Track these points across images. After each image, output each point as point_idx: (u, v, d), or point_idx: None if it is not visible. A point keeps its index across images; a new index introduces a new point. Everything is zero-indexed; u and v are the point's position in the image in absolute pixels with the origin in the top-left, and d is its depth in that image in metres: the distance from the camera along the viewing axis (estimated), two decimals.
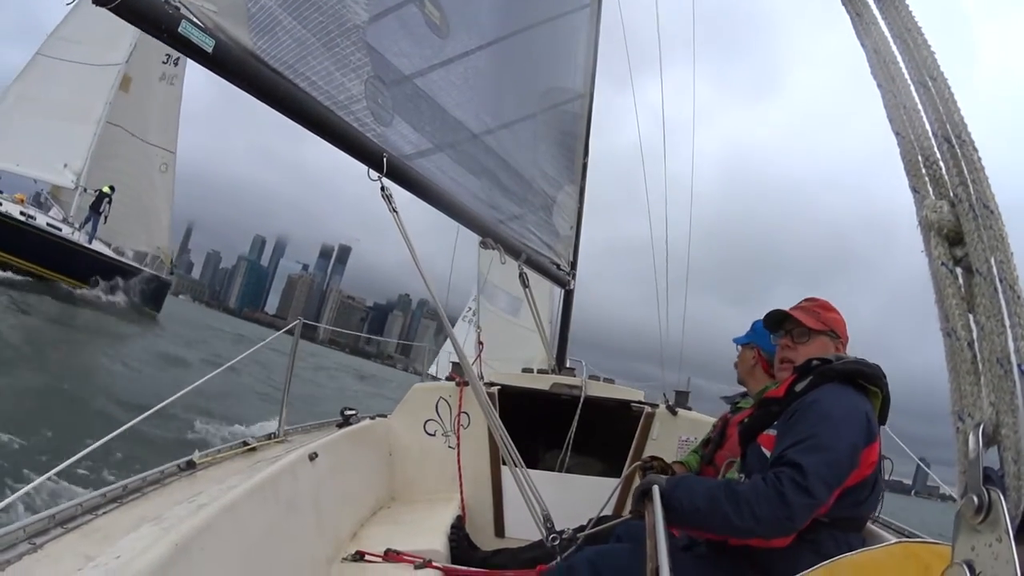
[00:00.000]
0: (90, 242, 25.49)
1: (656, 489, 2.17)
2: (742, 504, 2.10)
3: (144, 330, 23.57)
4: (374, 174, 3.27)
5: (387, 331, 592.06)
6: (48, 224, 24.05)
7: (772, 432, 2.42)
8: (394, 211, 3.28)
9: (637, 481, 3.17)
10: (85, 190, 26.40)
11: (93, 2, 2.16)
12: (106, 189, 26.03)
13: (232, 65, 2.65)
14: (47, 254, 23.52)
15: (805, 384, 2.40)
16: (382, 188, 3.27)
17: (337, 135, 3.15)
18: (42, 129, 24.85)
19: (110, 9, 2.18)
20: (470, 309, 15.40)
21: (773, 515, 2.06)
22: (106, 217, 26.26)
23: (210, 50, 2.51)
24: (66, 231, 24.66)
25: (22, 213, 22.99)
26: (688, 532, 2.31)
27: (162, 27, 2.36)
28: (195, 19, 2.47)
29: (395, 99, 3.60)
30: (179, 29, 2.39)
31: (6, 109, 25.79)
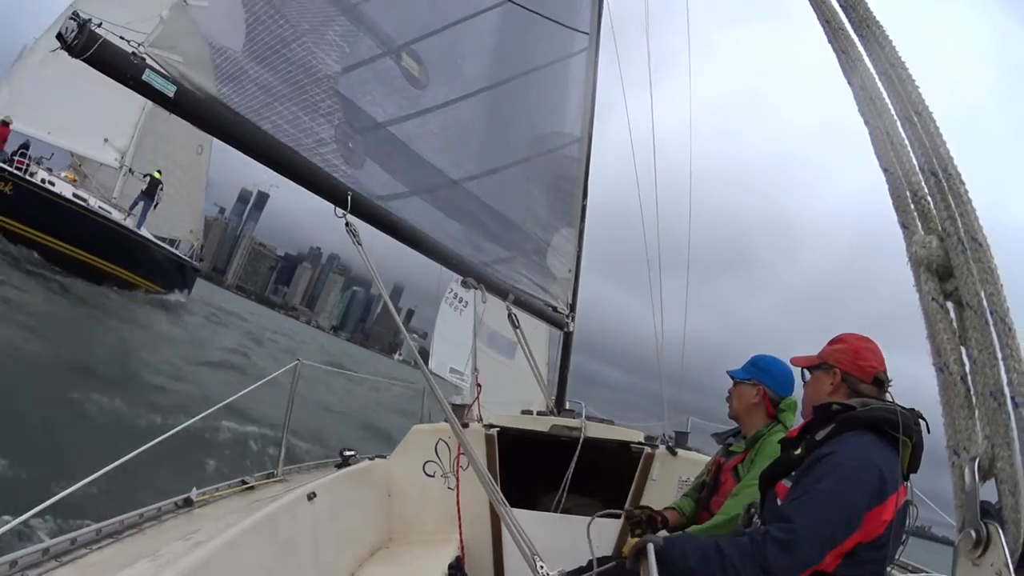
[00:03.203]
0: (139, 228, 23.68)
1: (651, 547, 2.22)
2: (727, 566, 2.10)
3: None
4: (339, 211, 3.44)
5: (295, 282, 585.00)
6: (100, 207, 22.00)
7: (788, 483, 2.33)
8: (358, 244, 3.45)
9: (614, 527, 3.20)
10: (131, 171, 24.32)
11: (69, 54, 2.46)
12: (156, 174, 24.12)
13: (192, 108, 2.87)
14: (99, 241, 21.49)
15: (826, 432, 2.28)
16: (347, 224, 3.43)
17: (299, 174, 3.34)
18: (77, 95, 20.62)
19: (83, 60, 2.48)
20: (451, 291, 15.19)
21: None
22: (157, 204, 24.43)
23: (171, 95, 2.73)
24: (116, 215, 22.65)
25: (75, 195, 21.00)
26: None
27: (127, 75, 2.61)
28: (159, 68, 2.71)
29: (367, 144, 3.80)
30: (143, 77, 2.64)
31: (34, 65, 22.10)
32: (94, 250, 21.55)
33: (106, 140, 23.80)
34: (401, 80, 4.13)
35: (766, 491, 2.49)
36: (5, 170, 18.77)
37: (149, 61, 2.69)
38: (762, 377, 3.28)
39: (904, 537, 2.23)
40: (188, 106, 2.85)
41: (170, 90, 2.73)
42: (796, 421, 3.13)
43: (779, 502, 2.33)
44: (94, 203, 21.89)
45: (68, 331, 13.31)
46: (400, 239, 4.04)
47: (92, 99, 21.11)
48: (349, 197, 3.46)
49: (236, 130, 3.08)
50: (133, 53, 2.64)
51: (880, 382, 2.42)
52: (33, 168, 20.23)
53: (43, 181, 19.99)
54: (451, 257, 4.50)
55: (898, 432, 2.15)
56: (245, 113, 3.07)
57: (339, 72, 3.64)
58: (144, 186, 24.17)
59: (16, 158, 19.87)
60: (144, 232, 23.99)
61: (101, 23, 2.54)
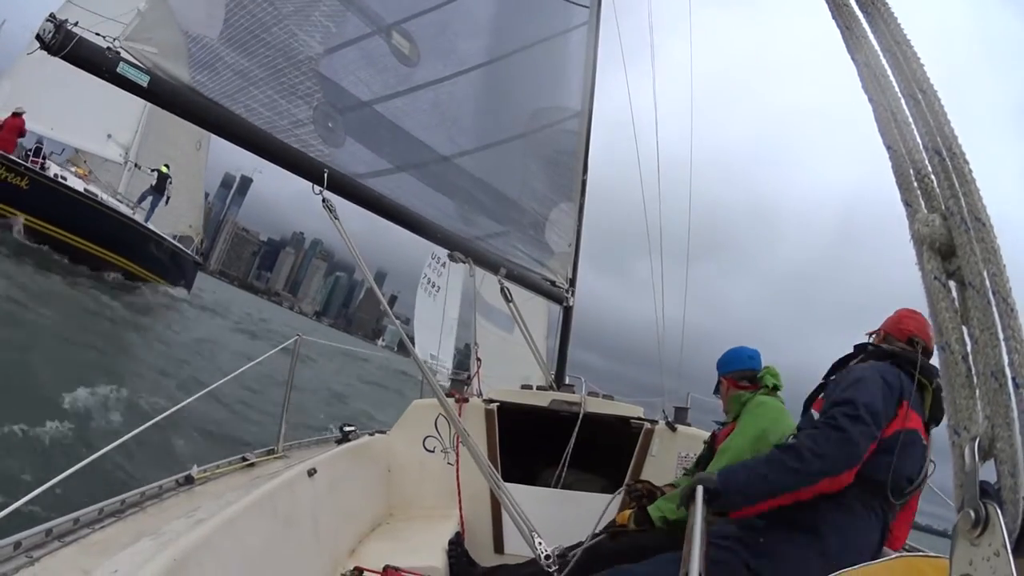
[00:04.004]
0: (146, 222, 23.56)
1: (700, 490, 2.25)
2: (803, 450, 2.25)
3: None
4: (316, 188, 3.58)
5: (277, 268, 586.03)
6: (104, 200, 21.73)
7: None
8: (336, 219, 3.61)
9: (618, 503, 3.39)
10: (137, 166, 24.32)
11: (48, 53, 2.67)
12: (164, 168, 24.11)
13: (166, 96, 3.06)
14: (110, 235, 21.43)
15: (856, 361, 2.70)
16: (323, 200, 3.58)
17: (274, 155, 3.49)
18: (79, 92, 19.61)
19: (60, 57, 2.68)
20: (425, 276, 15.44)
21: (835, 447, 2.22)
22: (168, 199, 24.52)
23: (145, 85, 2.92)
24: (123, 210, 22.52)
25: (86, 190, 20.79)
26: (759, 509, 2.36)
27: (103, 68, 2.81)
28: (133, 60, 2.90)
29: (349, 123, 3.92)
30: (117, 69, 2.83)
31: (36, 60, 21.37)
32: (106, 244, 21.47)
33: (109, 136, 23.62)
34: (390, 58, 4.20)
35: (807, 411, 2.75)
36: (21, 165, 18.66)
37: (124, 54, 2.89)
38: (721, 372, 3.69)
39: (920, 480, 2.47)
40: (162, 94, 3.04)
41: (143, 80, 2.92)
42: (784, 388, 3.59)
43: (814, 413, 2.62)
44: (105, 198, 21.77)
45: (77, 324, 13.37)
46: (380, 214, 4.14)
47: (94, 96, 20.13)
48: (325, 174, 3.60)
49: (210, 115, 3.25)
50: (108, 48, 2.84)
51: (913, 343, 2.71)
52: (46, 163, 20.04)
53: (56, 176, 19.84)
54: (436, 231, 4.55)
55: (915, 369, 2.48)
56: (218, 99, 3.24)
57: (321, 53, 3.75)
58: (153, 181, 24.18)
59: (32, 157, 19.69)
60: (151, 227, 23.86)
61: (77, 22, 2.74)
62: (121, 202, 22.98)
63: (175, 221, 27.44)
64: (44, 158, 20.16)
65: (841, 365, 2.79)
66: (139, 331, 15.54)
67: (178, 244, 26.41)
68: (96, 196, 21.18)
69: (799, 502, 2.30)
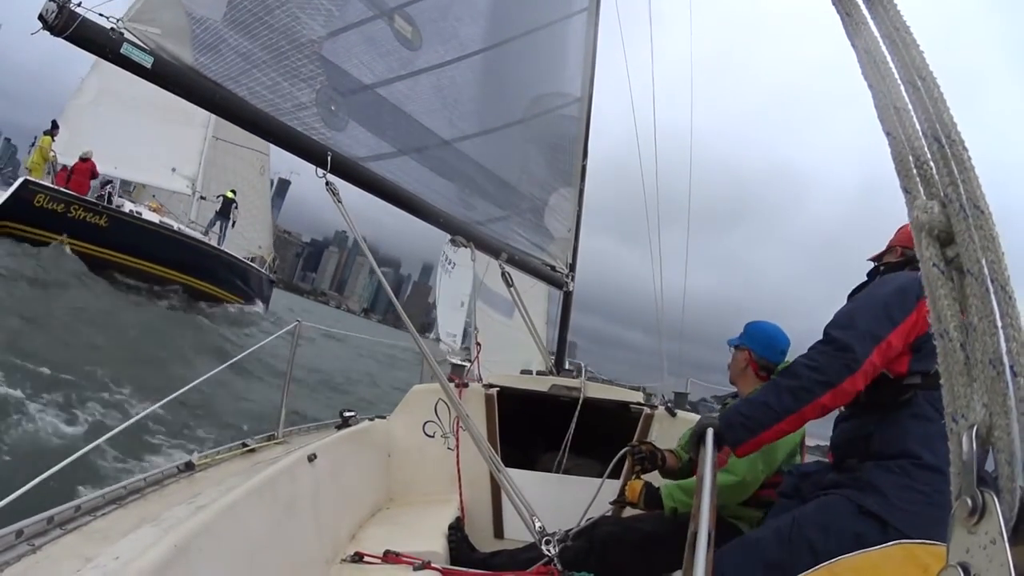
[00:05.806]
0: (220, 245, 24.36)
1: (710, 432, 2.18)
2: (798, 368, 2.22)
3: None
4: (320, 171, 3.63)
5: (322, 267, 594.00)
6: (180, 229, 22.49)
7: None
8: (339, 203, 3.68)
9: (608, 486, 3.25)
10: (203, 198, 25.07)
11: (51, 34, 2.63)
12: (230, 194, 25.03)
13: (170, 78, 3.06)
14: (189, 262, 22.11)
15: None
16: (327, 183, 3.63)
17: (277, 136, 3.53)
18: (137, 130, 21.48)
19: (64, 38, 2.66)
20: (443, 254, 15.54)
21: (827, 357, 2.18)
22: (234, 222, 25.44)
23: (149, 66, 2.92)
24: (199, 237, 23.34)
25: (162, 222, 21.45)
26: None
27: (107, 49, 2.81)
28: (137, 41, 2.89)
29: (351, 107, 3.93)
30: (121, 50, 2.83)
31: (87, 104, 22.25)
32: (186, 271, 22.03)
33: (174, 170, 24.07)
34: (392, 42, 4.20)
35: None
36: (98, 204, 19.04)
37: (127, 35, 2.87)
38: (748, 342, 3.48)
39: None
40: (165, 76, 3.03)
41: (147, 62, 2.91)
42: None
43: None
44: (180, 227, 22.33)
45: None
46: (383, 197, 4.18)
47: (152, 132, 21.98)
48: (329, 157, 3.62)
49: (214, 97, 3.25)
50: (112, 28, 2.81)
51: None
52: (118, 201, 20.45)
53: (131, 212, 20.33)
54: (439, 215, 4.57)
55: None
56: (222, 81, 3.24)
57: (324, 36, 3.74)
58: (218, 207, 24.92)
59: (110, 189, 20.22)
60: (226, 249, 24.46)
61: (80, 3, 2.70)
62: (195, 230, 23.59)
63: (247, 244, 28.36)
64: (111, 191, 20.53)
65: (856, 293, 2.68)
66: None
67: (252, 264, 27.19)
68: (171, 226, 21.78)
69: (881, 433, 2.27)
